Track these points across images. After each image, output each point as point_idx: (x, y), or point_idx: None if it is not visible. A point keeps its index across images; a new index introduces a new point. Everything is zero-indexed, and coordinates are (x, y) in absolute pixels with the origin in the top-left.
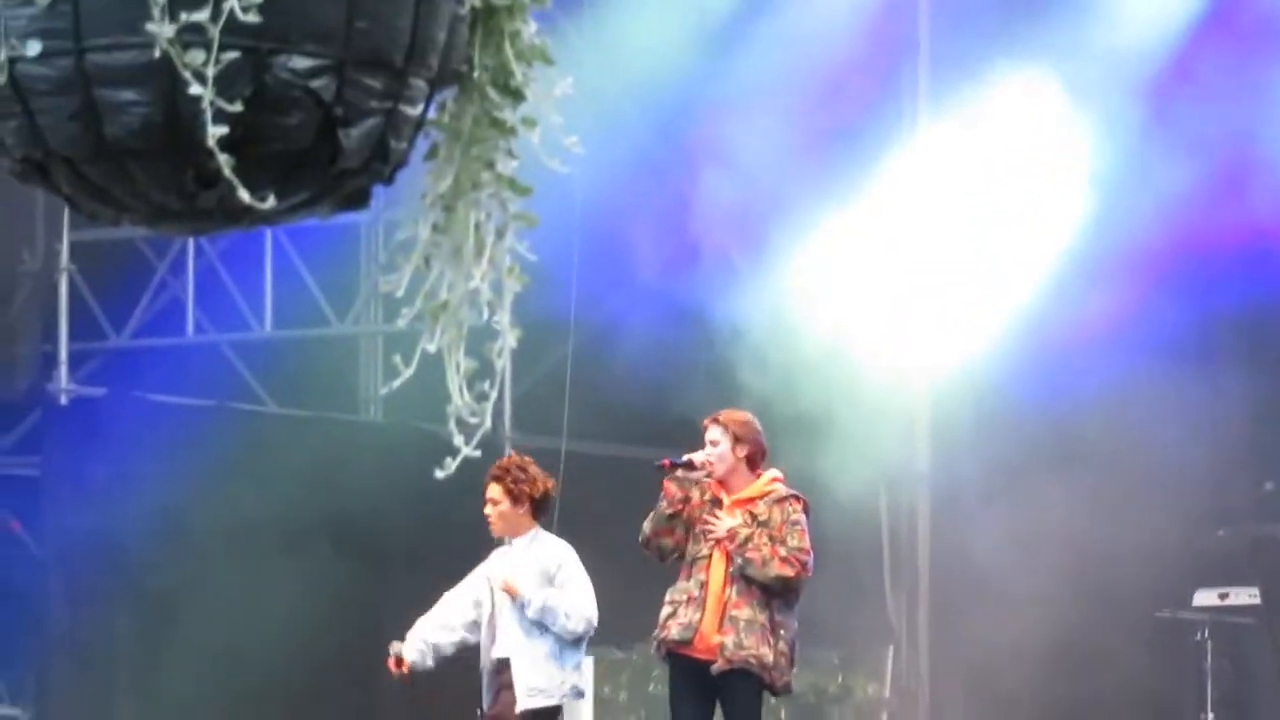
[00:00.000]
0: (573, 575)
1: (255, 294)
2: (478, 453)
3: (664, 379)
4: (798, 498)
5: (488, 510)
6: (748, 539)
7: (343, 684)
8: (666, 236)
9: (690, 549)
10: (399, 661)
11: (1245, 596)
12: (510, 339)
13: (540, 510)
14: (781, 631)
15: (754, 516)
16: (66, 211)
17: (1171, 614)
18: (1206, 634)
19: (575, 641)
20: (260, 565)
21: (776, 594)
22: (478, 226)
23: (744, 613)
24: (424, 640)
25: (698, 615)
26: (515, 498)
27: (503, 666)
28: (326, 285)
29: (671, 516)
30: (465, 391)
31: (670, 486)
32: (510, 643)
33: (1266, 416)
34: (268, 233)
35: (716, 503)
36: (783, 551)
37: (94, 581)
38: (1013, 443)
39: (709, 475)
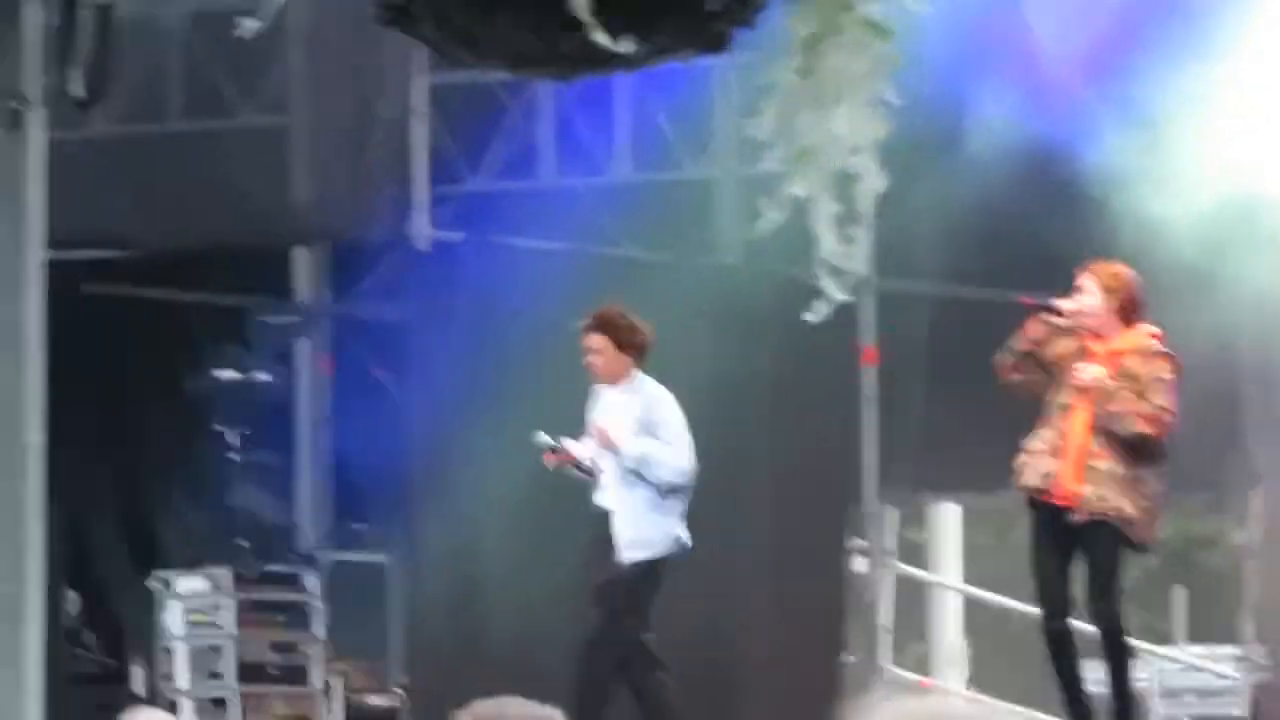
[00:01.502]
0: (669, 423)
1: (609, 137)
2: (851, 298)
3: (1038, 220)
4: (1169, 355)
5: (590, 358)
6: (1112, 390)
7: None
8: (1029, 76)
9: (1054, 397)
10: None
11: None
12: (876, 183)
13: (642, 357)
14: (1144, 487)
15: (1122, 369)
16: (422, 55)
17: None
18: None
19: (673, 491)
20: None
21: (1139, 450)
22: (839, 70)
23: (1104, 464)
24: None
25: (1055, 463)
26: (620, 344)
27: (603, 517)
28: (681, 127)
29: (1025, 354)
30: (832, 237)
31: (1032, 326)
32: (610, 493)
33: None
34: (623, 77)
35: (1085, 352)
36: (1146, 408)
37: (454, 423)
38: None
39: (1074, 324)
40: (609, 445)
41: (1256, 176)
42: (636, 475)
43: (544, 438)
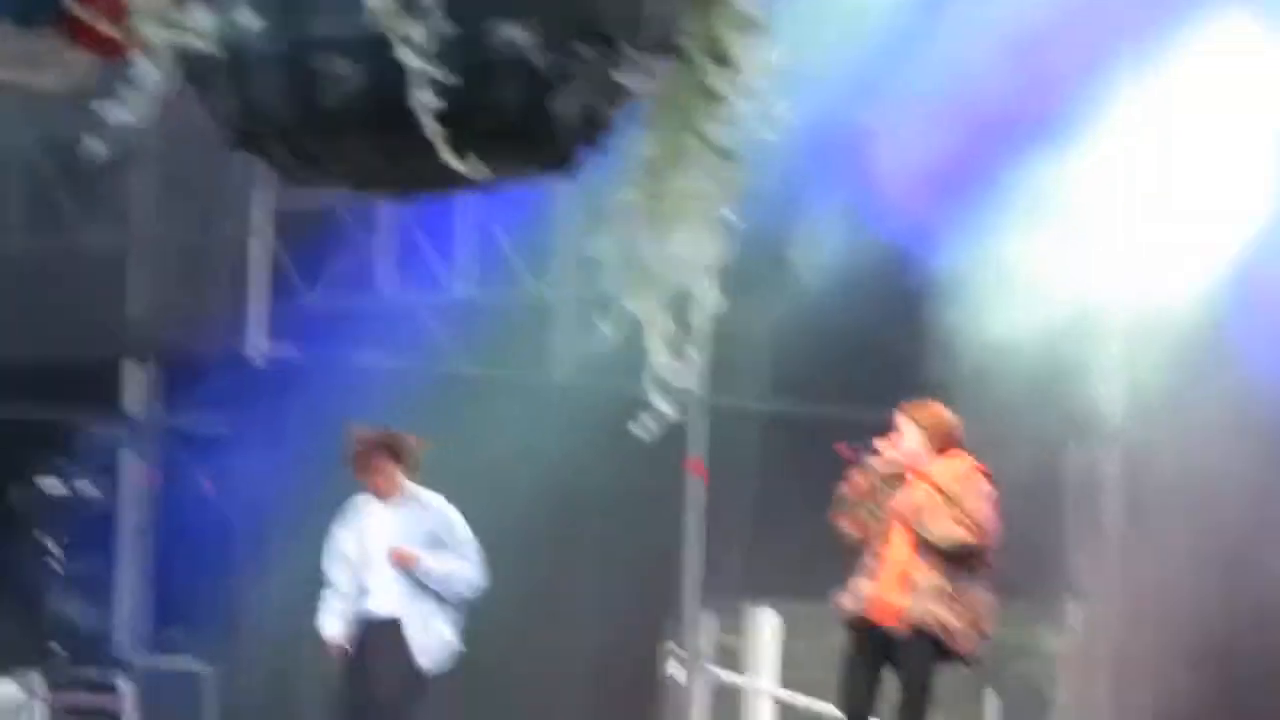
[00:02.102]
0: (462, 538)
1: (449, 254)
2: (680, 415)
3: (869, 338)
4: (984, 472)
5: (375, 476)
6: (928, 509)
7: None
8: (859, 198)
9: (875, 526)
10: (335, 651)
11: None
12: (713, 301)
13: (413, 468)
14: (967, 598)
15: (940, 491)
16: (263, 174)
17: None
18: None
19: (457, 604)
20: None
21: (958, 562)
22: (684, 193)
23: (926, 578)
24: (344, 614)
25: (874, 585)
26: (399, 459)
27: (384, 625)
28: (521, 246)
29: (854, 501)
30: (665, 353)
31: (855, 479)
32: (394, 602)
33: None
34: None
35: (904, 481)
36: (964, 519)
37: (283, 541)
38: (1213, 404)
39: (893, 468)
40: (410, 564)
41: (1091, 293)
42: (424, 587)
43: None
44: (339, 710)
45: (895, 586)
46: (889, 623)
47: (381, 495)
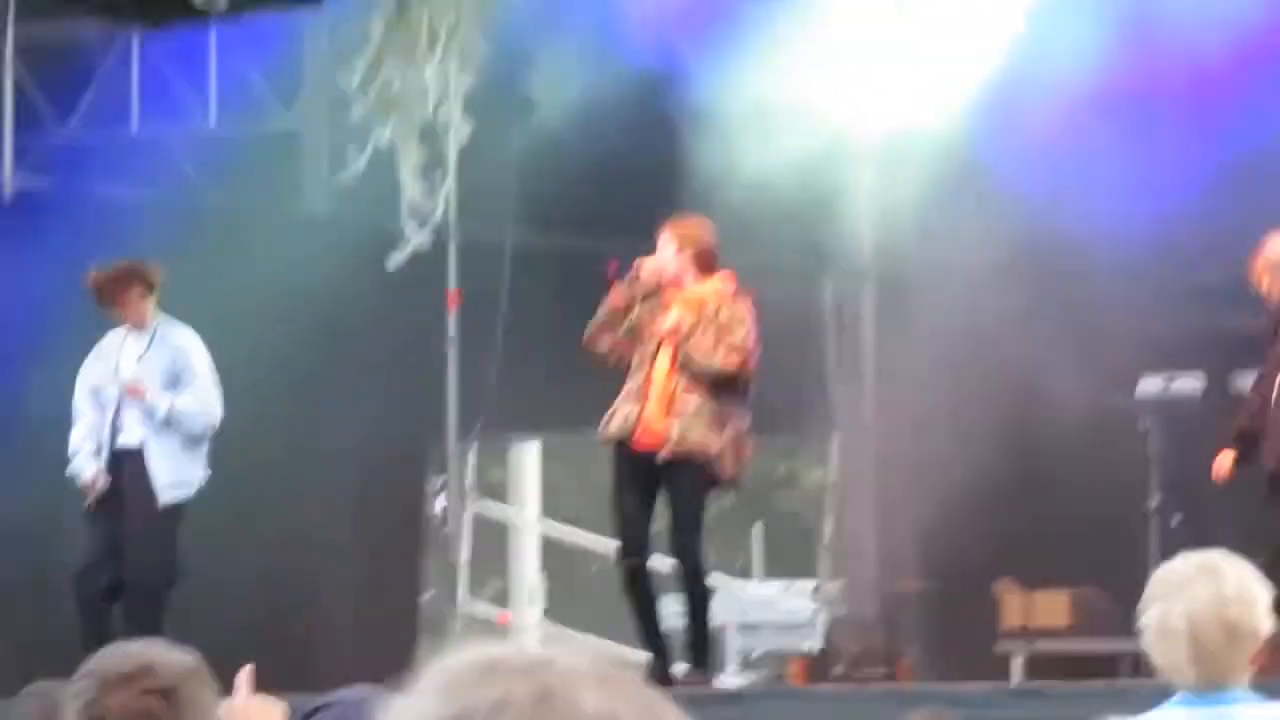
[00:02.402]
0: (199, 372)
1: (200, 87)
2: (428, 242)
3: (615, 167)
4: (745, 294)
5: (123, 308)
6: (691, 330)
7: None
8: (610, 27)
9: (637, 350)
10: (91, 490)
11: (1190, 383)
12: (462, 132)
13: (156, 295)
14: (730, 423)
15: (702, 313)
16: (12, 4)
17: (1120, 401)
18: (1150, 423)
19: (201, 439)
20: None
21: (722, 387)
22: (431, 19)
23: (690, 402)
24: (92, 455)
25: (638, 407)
26: (147, 289)
27: (129, 456)
28: (271, 78)
29: (611, 317)
30: (417, 183)
31: (615, 293)
32: (138, 436)
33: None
34: (212, 26)
35: (665, 304)
36: (726, 344)
37: (27, 377)
38: (964, 229)
39: (655, 280)
40: (139, 397)
41: (847, 118)
42: (166, 426)
43: (83, 478)
44: (90, 546)
45: (660, 411)
46: (655, 447)
47: (130, 327)
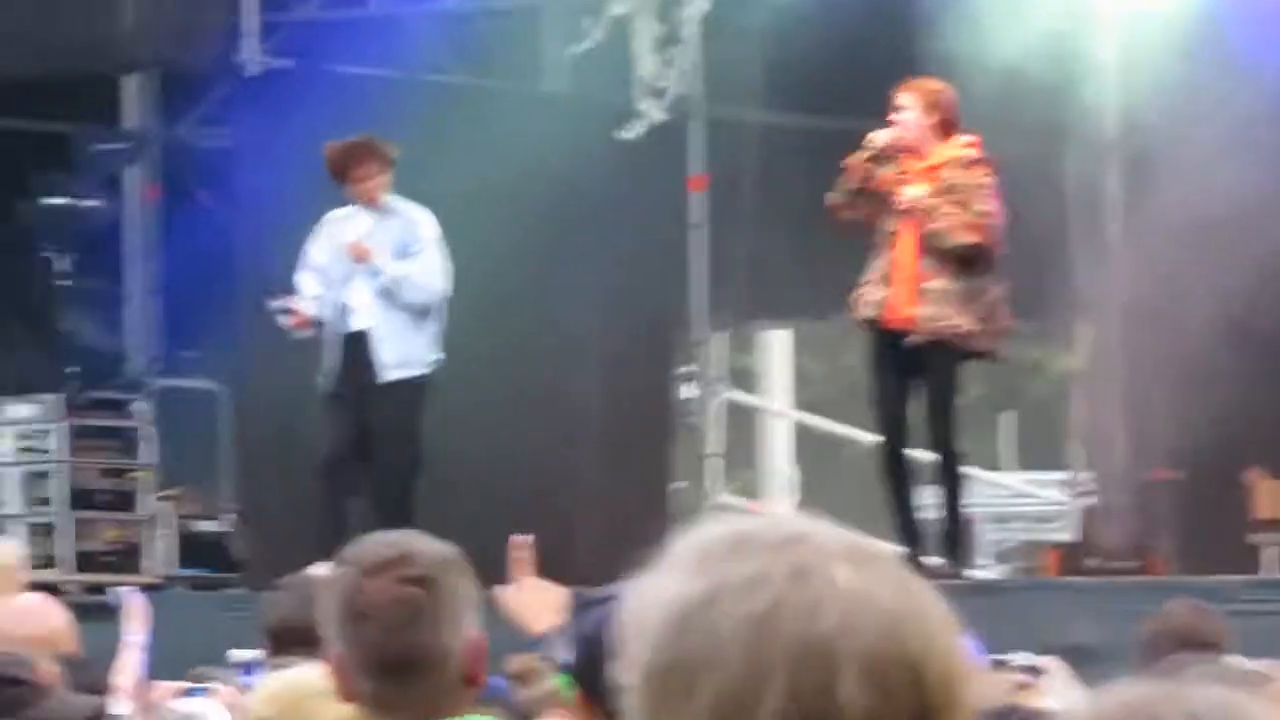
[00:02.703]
0: (428, 244)
1: None
2: (665, 116)
3: (864, 43)
4: (987, 161)
5: (366, 185)
6: (932, 208)
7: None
8: None
9: (881, 224)
10: (294, 313)
11: None
12: (700, 4)
13: (391, 176)
14: (981, 296)
15: (942, 183)
16: None
17: None
18: None
19: (427, 313)
20: (448, 236)
21: (969, 262)
22: None
23: (937, 284)
24: (315, 297)
25: (884, 291)
26: (383, 167)
27: (361, 339)
28: None
29: (855, 192)
30: (654, 57)
31: (854, 162)
32: (365, 315)
33: None
34: None
35: (903, 175)
36: (969, 218)
37: (283, 250)
38: (1207, 101)
39: (895, 145)
40: (365, 260)
41: None
42: (391, 297)
43: (279, 303)
44: (334, 434)
45: (907, 295)
46: (906, 329)
47: (362, 203)
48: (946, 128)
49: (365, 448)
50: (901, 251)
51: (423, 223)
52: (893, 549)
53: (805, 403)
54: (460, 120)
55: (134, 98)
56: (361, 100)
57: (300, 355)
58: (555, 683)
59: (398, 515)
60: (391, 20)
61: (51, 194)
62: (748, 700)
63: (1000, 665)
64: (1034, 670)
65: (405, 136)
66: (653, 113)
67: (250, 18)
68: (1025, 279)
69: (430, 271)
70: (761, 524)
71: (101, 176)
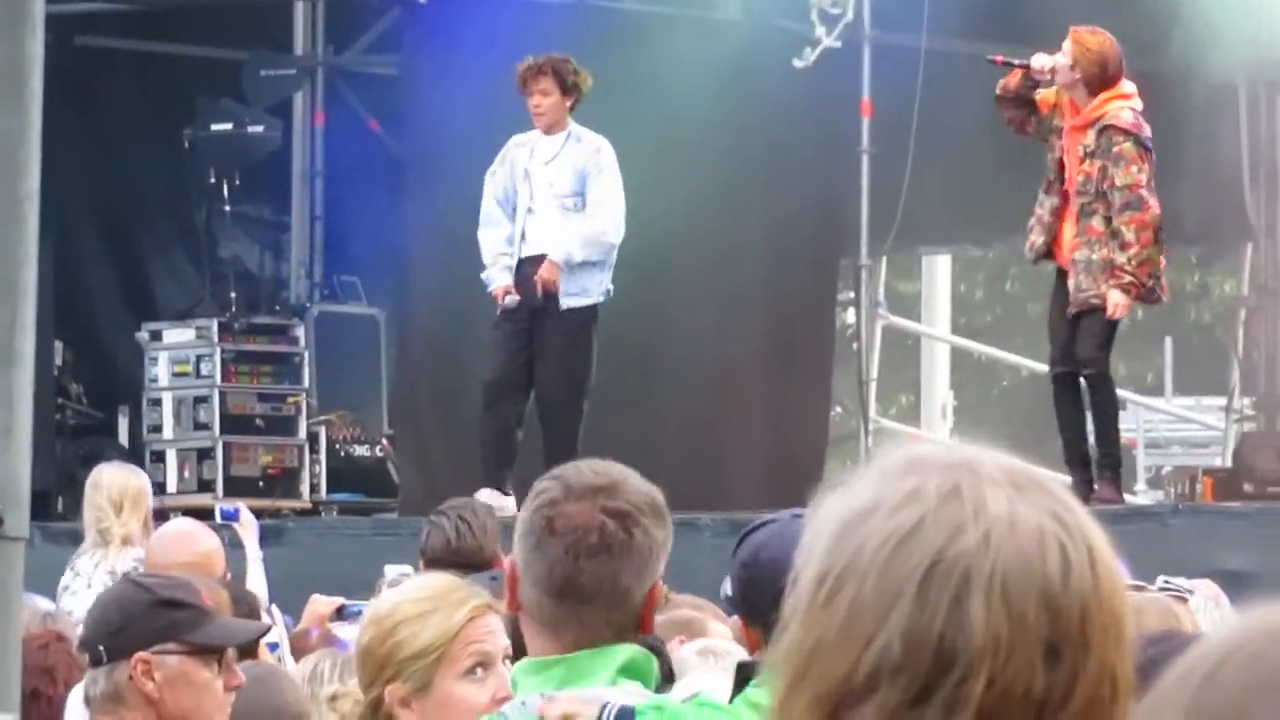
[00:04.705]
0: (606, 178)
1: None
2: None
3: None
4: (1124, 130)
5: (539, 101)
6: (1083, 174)
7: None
8: None
9: (1050, 155)
10: (506, 291)
11: None
12: None
13: (577, 105)
14: (1128, 253)
15: (1087, 144)
16: None
17: None
18: None
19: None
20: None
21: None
22: None
23: (1081, 254)
24: (507, 259)
25: (1044, 239)
26: (565, 90)
27: (534, 263)
28: None
29: (1006, 99)
30: None
31: (1011, 81)
32: (548, 240)
33: None
34: None
35: (1057, 130)
36: (1113, 189)
37: (450, 176)
38: None
39: (1047, 80)
40: (553, 285)
41: None
42: (572, 243)
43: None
44: (501, 359)
45: (1062, 256)
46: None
47: (544, 127)
48: (1101, 80)
49: (531, 375)
50: (1054, 213)
51: (606, 153)
52: (1059, 478)
53: (964, 329)
54: (634, 46)
55: (302, 24)
56: (532, 27)
57: (459, 283)
58: None
59: (563, 439)
60: None
61: (219, 120)
62: (878, 612)
63: (1153, 589)
64: (1188, 593)
65: (579, 62)
66: (825, 39)
67: None
68: (1191, 202)
69: (606, 216)
70: (937, 449)
71: (269, 103)
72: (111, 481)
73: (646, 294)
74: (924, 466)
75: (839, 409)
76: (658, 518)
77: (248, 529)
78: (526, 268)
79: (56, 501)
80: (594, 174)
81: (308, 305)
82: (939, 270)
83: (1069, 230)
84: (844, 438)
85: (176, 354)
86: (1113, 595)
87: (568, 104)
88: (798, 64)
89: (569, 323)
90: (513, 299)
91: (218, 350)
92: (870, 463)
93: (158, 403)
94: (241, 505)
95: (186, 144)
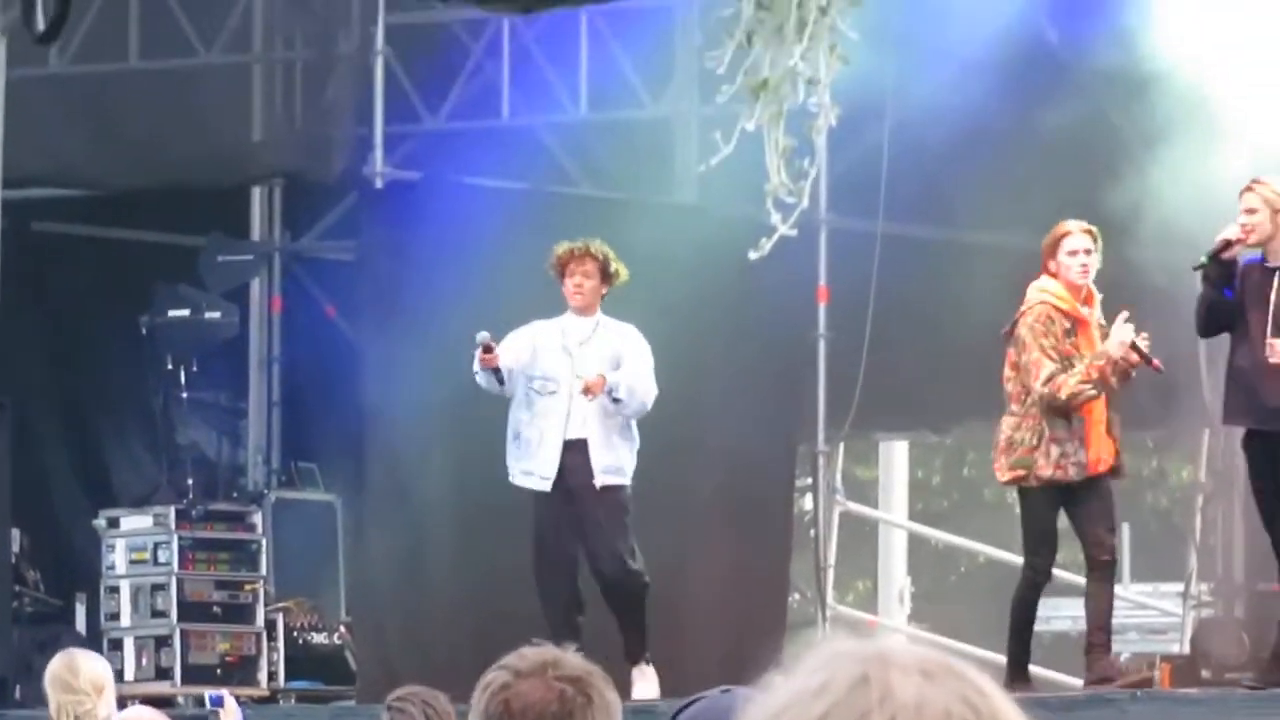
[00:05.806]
0: (643, 356)
1: (570, 76)
2: (794, 232)
3: (985, 160)
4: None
5: (579, 281)
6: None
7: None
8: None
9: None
10: (488, 349)
11: None
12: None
13: (606, 295)
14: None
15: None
16: None
17: None
18: None
19: (629, 425)
20: None
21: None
22: (800, 3)
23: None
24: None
25: (1086, 450)
26: (604, 276)
27: (575, 446)
28: (641, 66)
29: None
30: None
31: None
32: (586, 423)
33: None
34: (582, 14)
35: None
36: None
37: (407, 364)
38: None
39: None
40: (596, 394)
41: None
42: (616, 406)
43: (485, 335)
44: (550, 544)
45: (1101, 443)
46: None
47: (580, 306)
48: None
49: (575, 554)
50: (1097, 407)
51: (636, 337)
52: (992, 664)
53: (921, 514)
54: (589, 230)
55: (259, 210)
56: (489, 212)
57: (416, 470)
58: None
59: (634, 613)
60: (520, 132)
61: (176, 306)
62: None
63: None
64: None
65: (533, 249)
66: (780, 226)
67: (378, 130)
68: (1149, 388)
69: (646, 381)
70: (854, 643)
71: (226, 288)
72: (90, 668)
73: None
74: (837, 659)
75: (797, 595)
76: (607, 683)
77: (231, 717)
78: (567, 451)
79: (14, 689)
80: (627, 355)
81: (265, 492)
82: (896, 456)
83: (1099, 442)
84: (802, 624)
85: (134, 541)
86: None
87: (603, 291)
88: (753, 255)
89: (608, 502)
90: (486, 372)
91: (175, 537)
92: (799, 659)
93: (115, 590)
94: (226, 693)
95: (144, 330)
